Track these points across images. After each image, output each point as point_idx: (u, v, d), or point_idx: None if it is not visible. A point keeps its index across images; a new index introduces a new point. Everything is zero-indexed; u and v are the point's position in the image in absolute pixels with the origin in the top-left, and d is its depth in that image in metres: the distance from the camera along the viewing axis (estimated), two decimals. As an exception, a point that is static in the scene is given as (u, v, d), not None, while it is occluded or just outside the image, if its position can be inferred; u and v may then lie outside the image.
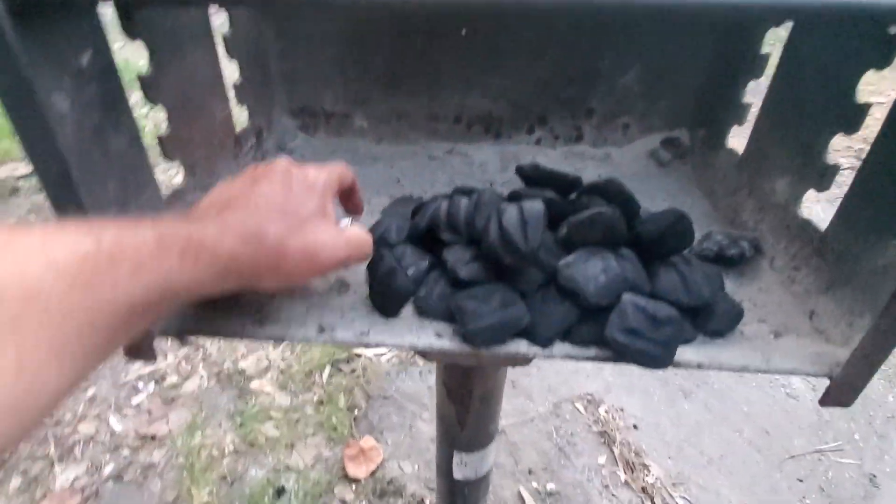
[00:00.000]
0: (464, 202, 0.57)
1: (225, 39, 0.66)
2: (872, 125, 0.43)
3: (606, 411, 1.60)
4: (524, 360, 0.52)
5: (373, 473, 1.37)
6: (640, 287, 0.49)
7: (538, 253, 0.48)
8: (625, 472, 1.44)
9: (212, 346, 1.73)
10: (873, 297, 0.44)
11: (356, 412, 1.54)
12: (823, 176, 0.51)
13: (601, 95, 0.81)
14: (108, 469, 1.38)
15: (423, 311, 0.51)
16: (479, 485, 0.99)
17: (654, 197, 0.75)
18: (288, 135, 0.85)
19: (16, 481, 1.35)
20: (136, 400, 1.56)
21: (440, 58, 0.79)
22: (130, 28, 0.48)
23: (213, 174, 0.64)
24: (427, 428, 1.52)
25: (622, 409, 1.62)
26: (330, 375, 1.64)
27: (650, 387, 1.70)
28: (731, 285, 0.59)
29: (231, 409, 1.53)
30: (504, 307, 0.47)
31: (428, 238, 0.57)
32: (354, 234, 0.45)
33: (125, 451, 1.43)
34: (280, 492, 1.33)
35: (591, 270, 0.46)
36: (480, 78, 0.80)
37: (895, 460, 1.56)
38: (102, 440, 1.46)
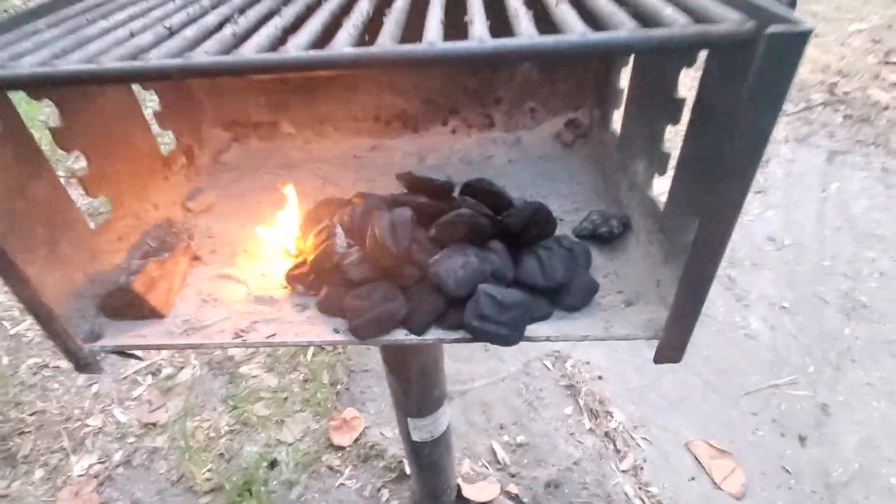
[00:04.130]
0: (358, 209, 0.64)
1: (140, 72, 0.72)
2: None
3: (573, 366, 1.71)
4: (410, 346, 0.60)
5: (356, 441, 1.50)
6: (502, 275, 0.56)
7: (412, 252, 0.56)
8: (589, 420, 1.55)
9: (202, 336, 1.83)
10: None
11: (339, 387, 1.65)
12: (661, 162, 0.58)
13: (505, 83, 0.87)
14: (117, 456, 1.52)
15: (325, 310, 0.60)
16: (437, 444, 1.10)
17: (555, 178, 0.82)
18: (221, 146, 0.92)
19: (39, 472, 1.49)
20: (136, 392, 1.68)
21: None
22: (34, 93, 0.55)
23: (145, 199, 0.71)
24: (406, 395, 1.63)
25: (588, 363, 1.72)
26: (314, 355, 1.75)
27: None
28: (604, 259, 0.66)
29: (224, 393, 1.65)
30: (385, 302, 0.55)
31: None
32: None
33: (131, 439, 1.56)
34: (273, 464, 1.46)
35: (452, 266, 0.54)
36: (389, 79, 0.86)
37: (848, 390, 1.66)
38: (110, 431, 1.59)
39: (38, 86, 0.39)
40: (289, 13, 0.50)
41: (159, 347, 0.57)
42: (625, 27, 0.38)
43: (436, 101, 0.88)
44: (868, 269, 2.03)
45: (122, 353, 0.59)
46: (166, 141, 0.78)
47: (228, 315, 0.61)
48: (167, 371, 1.73)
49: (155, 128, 0.75)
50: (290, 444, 1.51)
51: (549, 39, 0.37)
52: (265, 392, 1.65)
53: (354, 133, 0.92)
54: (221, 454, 1.50)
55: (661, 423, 1.56)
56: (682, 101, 0.53)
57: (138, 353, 0.58)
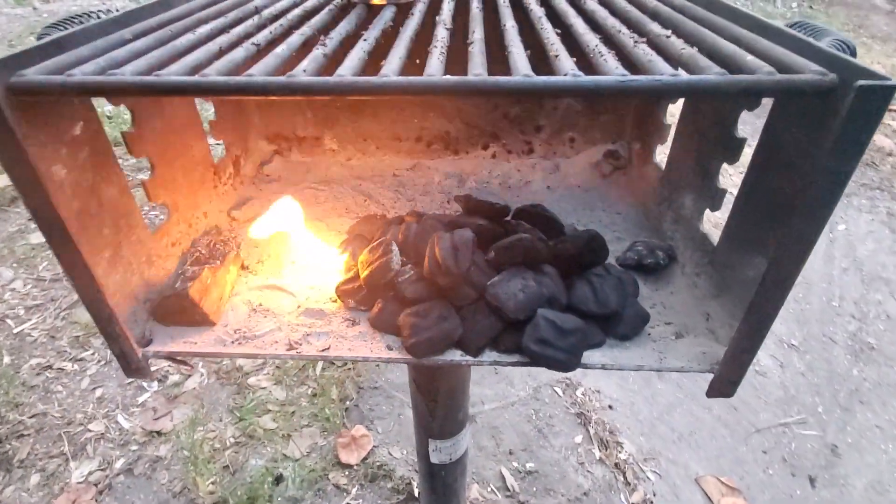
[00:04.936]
0: (413, 228, 0.65)
1: (199, 83, 0.74)
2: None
3: (583, 393, 1.70)
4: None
5: (364, 459, 1.48)
6: (557, 300, 0.57)
7: (469, 274, 0.57)
8: (599, 450, 1.54)
9: (211, 345, 1.82)
10: (744, 304, 0.52)
11: (348, 403, 1.64)
12: (715, 198, 0.59)
13: (547, 113, 0.89)
14: (118, 464, 1.49)
15: (377, 326, 0.60)
16: (454, 467, 1.09)
17: (595, 207, 0.84)
18: (264, 157, 0.93)
19: (35, 478, 1.46)
20: (141, 398, 1.66)
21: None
22: (116, 99, 0.56)
23: (196, 206, 0.72)
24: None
25: (598, 391, 1.72)
26: (323, 369, 1.74)
27: (626, 369, 1.80)
28: (649, 289, 0.67)
29: (230, 404, 1.64)
30: (441, 322, 0.56)
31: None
32: None
33: (133, 447, 1.53)
34: (279, 479, 1.43)
35: (511, 289, 0.55)
36: (436, 101, 0.88)
37: (858, 431, 1.67)
38: (112, 437, 1.56)
39: (139, 94, 0.41)
40: (371, 36, 0.52)
41: (211, 355, 0.57)
42: (711, 70, 0.40)
43: (478, 125, 0.90)
44: (875, 311, 2.05)
45: (174, 359, 0.59)
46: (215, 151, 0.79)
47: (279, 326, 0.61)
48: (174, 378, 1.71)
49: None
50: (296, 460, 1.49)
51: (642, 79, 0.39)
52: (273, 405, 1.63)
53: (395, 152, 0.94)
54: (226, 466, 1.48)
55: (670, 457, 1.55)
56: (742, 141, 0.55)
57: (188, 359, 0.58)
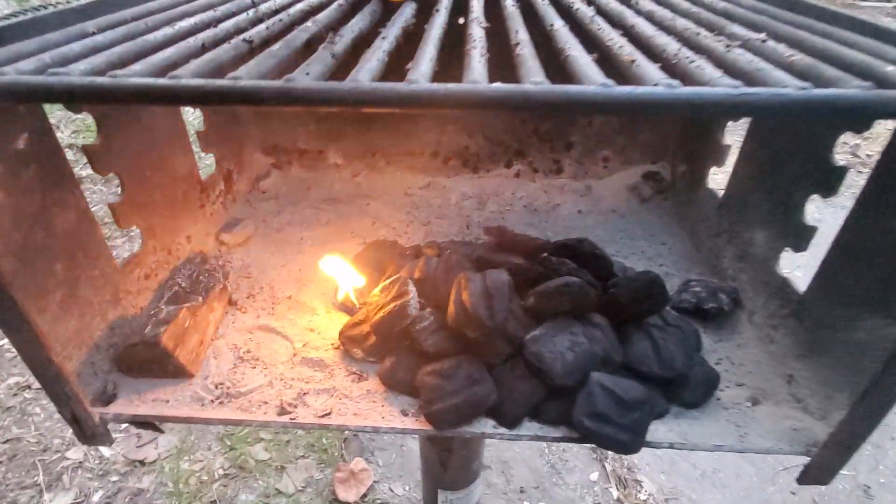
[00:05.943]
0: (433, 263, 0.55)
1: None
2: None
3: (599, 426, 1.59)
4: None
5: (363, 497, 1.36)
6: (611, 358, 0.47)
7: (505, 325, 0.47)
8: (617, 489, 1.43)
9: (201, 365, 1.71)
10: (853, 373, 0.42)
11: (346, 432, 1.52)
12: (800, 236, 0.49)
13: (581, 128, 0.79)
14: (96, 497, 1.37)
15: (389, 383, 0.50)
16: (465, 518, 0.98)
17: (635, 235, 0.74)
18: (260, 172, 0.83)
19: (4, 511, 1.34)
20: (124, 424, 1.54)
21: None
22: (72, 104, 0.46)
23: (177, 230, 0.62)
24: (418, 447, 1.50)
25: (615, 423, 1.61)
26: (320, 394, 1.63)
27: (643, 398, 1.69)
28: (710, 340, 0.57)
29: (221, 431, 1.52)
30: (470, 384, 0.45)
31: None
32: None
33: (114, 478, 1.41)
34: (270, 517, 1.32)
35: (558, 347, 0.45)
36: (457, 114, 0.78)
37: (890, 470, 1.55)
38: (91, 466, 1.44)
39: (88, 100, 0.31)
40: (391, 34, 0.42)
41: (185, 420, 0.47)
42: (849, 84, 0.30)
43: (502, 140, 0.80)
44: (903, 339, 1.95)
45: (140, 423, 0.48)
46: (202, 164, 0.69)
47: (269, 380, 0.51)
48: (160, 402, 1.60)
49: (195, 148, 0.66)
50: (289, 496, 1.37)
51: (762, 92, 0.29)
52: (266, 433, 1.52)
53: (408, 168, 0.84)
54: (213, 502, 1.36)
55: (693, 497, 1.44)
56: (843, 170, 0.45)
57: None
